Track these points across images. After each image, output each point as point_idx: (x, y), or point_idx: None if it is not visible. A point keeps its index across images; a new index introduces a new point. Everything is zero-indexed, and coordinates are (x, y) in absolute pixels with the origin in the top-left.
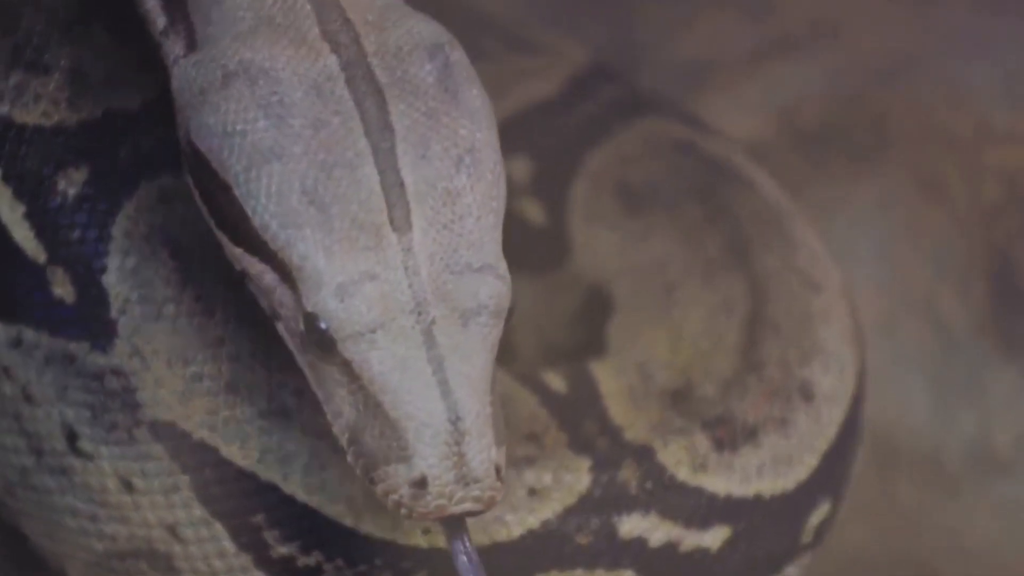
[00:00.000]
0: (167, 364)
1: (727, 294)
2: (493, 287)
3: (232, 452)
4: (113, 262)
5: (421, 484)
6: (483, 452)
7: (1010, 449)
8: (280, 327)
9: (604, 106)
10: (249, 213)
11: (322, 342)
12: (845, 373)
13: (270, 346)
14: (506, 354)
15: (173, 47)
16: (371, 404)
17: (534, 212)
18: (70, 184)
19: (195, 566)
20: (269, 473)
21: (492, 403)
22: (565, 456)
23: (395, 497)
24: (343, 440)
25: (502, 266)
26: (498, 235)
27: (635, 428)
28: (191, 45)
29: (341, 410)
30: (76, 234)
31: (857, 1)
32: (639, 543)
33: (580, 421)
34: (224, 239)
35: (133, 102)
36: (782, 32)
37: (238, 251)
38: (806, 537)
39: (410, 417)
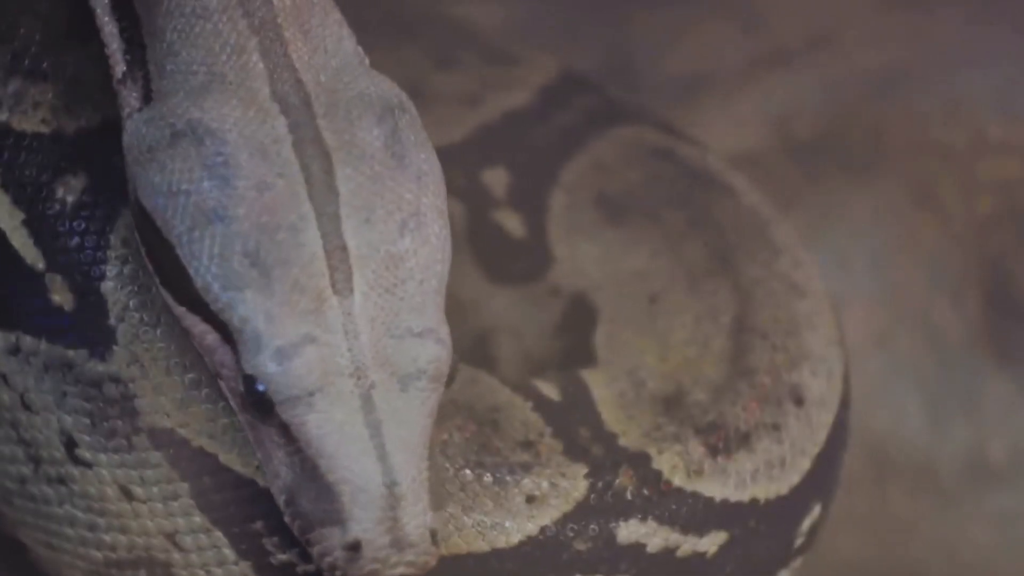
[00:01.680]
0: (166, 371)
1: (712, 301)
2: (433, 352)
3: (231, 459)
4: (112, 269)
5: (355, 548)
6: (418, 517)
7: (1004, 460)
8: (222, 385)
9: (579, 115)
10: (191, 274)
11: (260, 404)
12: (833, 377)
13: None
14: (486, 364)
15: (128, 97)
16: (308, 467)
17: (513, 224)
18: (69, 191)
19: (195, 574)
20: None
21: (428, 467)
22: (561, 463)
23: (330, 559)
24: (280, 501)
25: (443, 330)
26: (440, 299)
27: (629, 435)
28: (146, 97)
29: (279, 471)
30: (75, 241)
31: (851, 13)
32: (637, 549)
33: (574, 428)
34: (168, 297)
35: None
36: (776, 44)
37: (181, 310)
38: (799, 541)
39: (346, 481)
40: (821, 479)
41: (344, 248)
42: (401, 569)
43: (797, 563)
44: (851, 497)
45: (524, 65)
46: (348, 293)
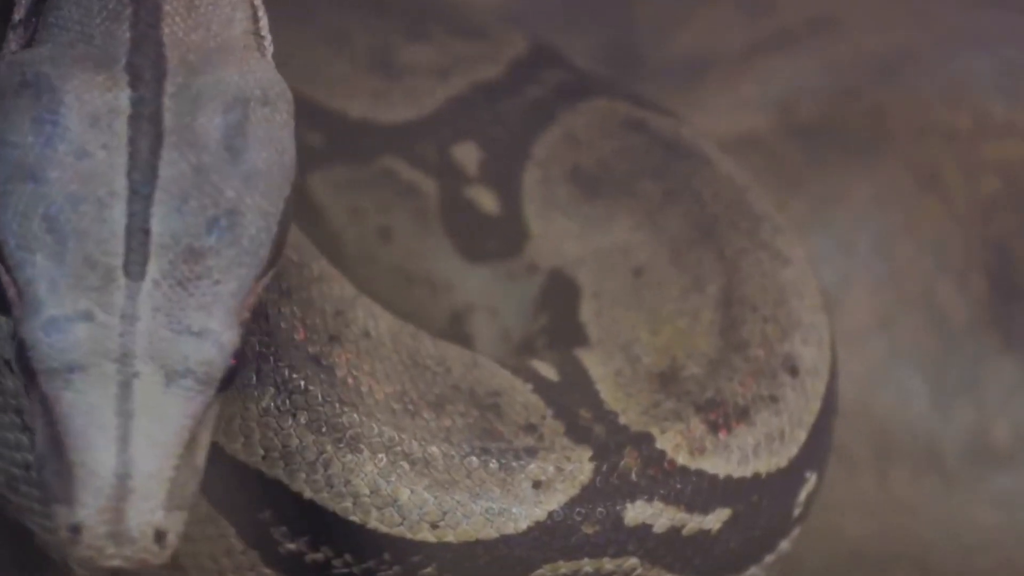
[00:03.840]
0: None
1: (697, 272)
2: (206, 354)
3: (236, 449)
4: None
5: (76, 531)
6: (144, 515)
7: (1008, 442)
8: None
9: (549, 89)
10: None
11: (25, 370)
12: (822, 344)
13: (271, 343)
14: (463, 342)
15: (11, 42)
16: (57, 441)
17: (487, 201)
18: None
19: (202, 564)
20: (274, 470)
21: (179, 467)
22: (565, 446)
23: (57, 538)
24: (36, 467)
25: (227, 336)
26: (236, 304)
27: (629, 413)
28: (28, 44)
29: (37, 439)
30: None
31: None
32: (644, 530)
33: (575, 409)
34: None
35: None
36: (779, 27)
37: None
38: (797, 511)
39: (81, 464)
40: (816, 448)
41: (147, 232)
42: (116, 562)
43: (795, 533)
44: (854, 479)
45: (495, 39)
46: (139, 278)
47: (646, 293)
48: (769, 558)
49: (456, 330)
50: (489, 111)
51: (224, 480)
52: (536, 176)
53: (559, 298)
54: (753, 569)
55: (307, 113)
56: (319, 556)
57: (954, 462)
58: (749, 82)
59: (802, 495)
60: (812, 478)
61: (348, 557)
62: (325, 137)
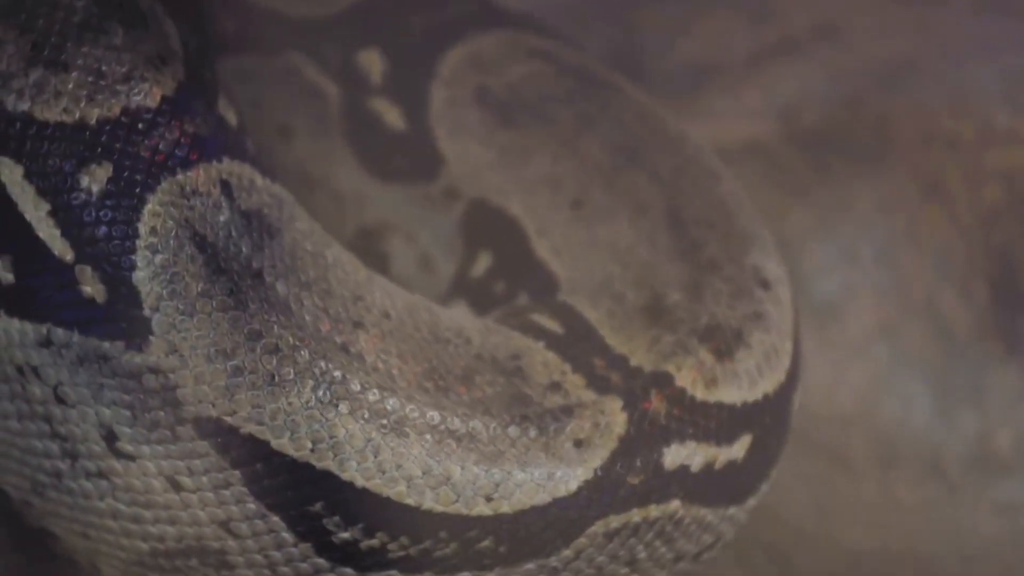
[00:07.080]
0: (207, 359)
1: (636, 197)
2: None
3: (283, 444)
4: (142, 259)
5: None
6: None
7: (1011, 450)
8: None
9: (458, 11)
10: None
11: None
12: (776, 251)
13: (307, 335)
14: (376, 262)
15: None
16: None
17: (392, 115)
18: (94, 181)
19: (252, 559)
20: (324, 462)
21: None
22: (592, 399)
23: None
24: None
25: None
26: None
27: (637, 354)
28: None
29: None
30: (102, 232)
31: (858, 4)
32: (683, 471)
33: (588, 359)
34: None
35: (152, 98)
36: (783, 34)
37: None
38: (791, 421)
39: None
40: (798, 356)
41: None
42: None
43: (788, 444)
44: (856, 487)
45: None
46: None
47: (596, 226)
48: (774, 472)
49: (367, 246)
50: (395, 21)
51: (272, 476)
52: (443, 96)
53: (499, 236)
54: (764, 486)
55: None
56: (375, 542)
57: (957, 470)
58: (753, 90)
59: (795, 403)
60: (799, 386)
61: (404, 540)
62: (234, 24)
